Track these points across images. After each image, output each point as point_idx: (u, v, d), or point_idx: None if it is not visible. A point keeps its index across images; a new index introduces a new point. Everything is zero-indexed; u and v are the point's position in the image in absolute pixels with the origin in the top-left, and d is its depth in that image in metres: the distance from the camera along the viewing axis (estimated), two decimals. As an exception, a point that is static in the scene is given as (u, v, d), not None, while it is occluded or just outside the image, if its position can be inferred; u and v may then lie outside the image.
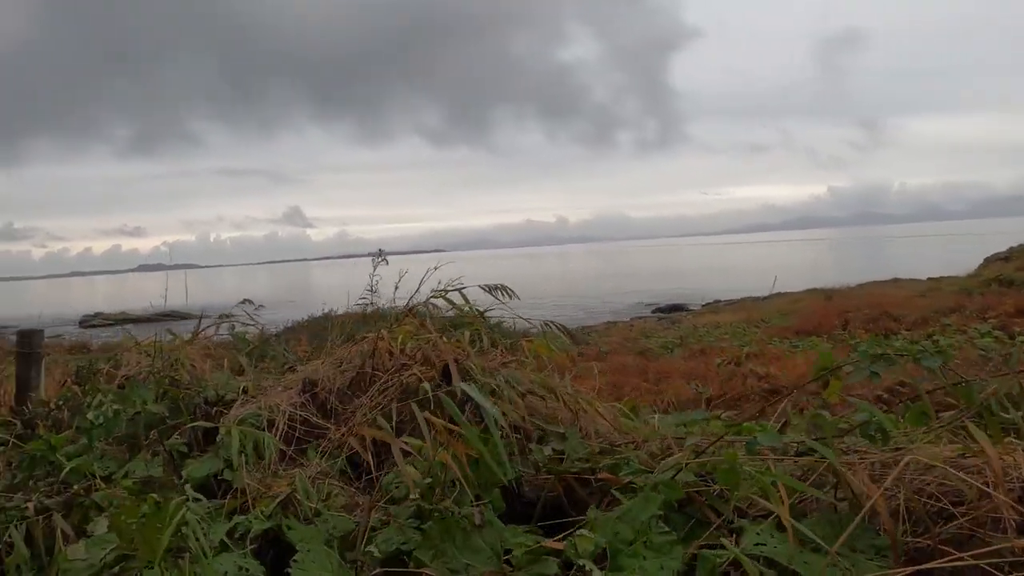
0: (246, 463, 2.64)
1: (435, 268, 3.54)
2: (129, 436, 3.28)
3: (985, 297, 19.11)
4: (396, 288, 3.87)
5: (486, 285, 3.27)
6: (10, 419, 4.57)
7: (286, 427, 2.76)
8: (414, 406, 2.30)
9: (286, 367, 3.91)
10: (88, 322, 41.97)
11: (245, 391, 3.45)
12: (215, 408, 3.28)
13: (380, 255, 4.09)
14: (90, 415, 3.25)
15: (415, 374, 2.56)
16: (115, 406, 3.32)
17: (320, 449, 2.65)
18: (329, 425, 2.74)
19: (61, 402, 3.89)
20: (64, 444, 3.35)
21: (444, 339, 2.94)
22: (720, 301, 46.83)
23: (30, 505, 2.61)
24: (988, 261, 25.82)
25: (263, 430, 2.78)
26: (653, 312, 44.02)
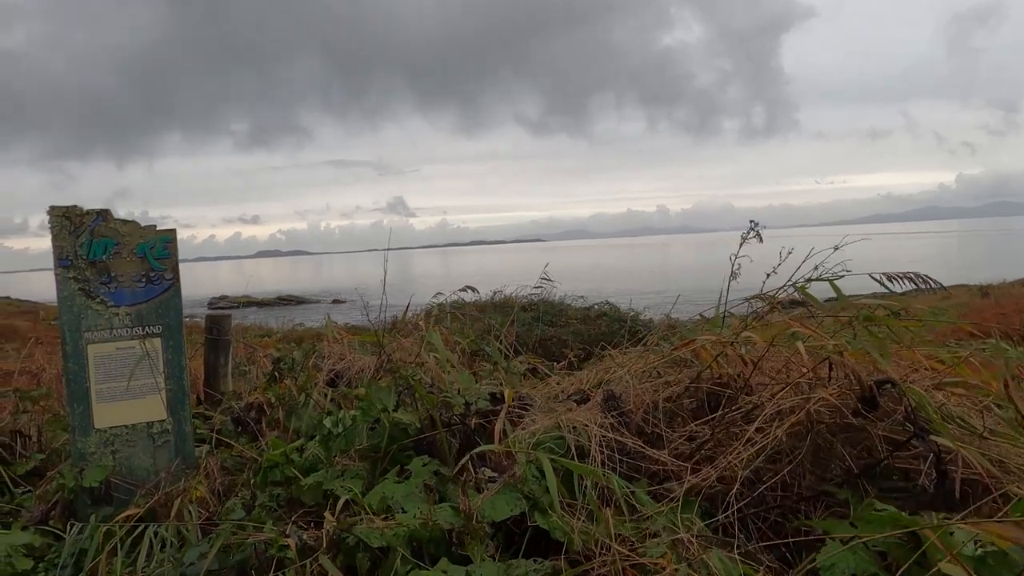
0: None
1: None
2: (372, 449, 2.72)
3: None
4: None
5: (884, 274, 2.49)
6: (206, 410, 4.20)
7: (602, 457, 2.08)
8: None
9: (526, 369, 3.26)
10: (215, 304, 44.22)
11: (497, 399, 2.82)
12: (468, 419, 2.67)
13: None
14: (327, 421, 2.70)
15: (827, 398, 1.81)
16: (352, 412, 2.76)
17: (661, 493, 1.94)
18: (658, 456, 2.04)
19: (274, 400, 3.40)
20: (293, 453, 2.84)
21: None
22: (835, 298, 43.63)
23: (291, 542, 2.05)
24: None
25: (570, 457, 2.12)
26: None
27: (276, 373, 4.10)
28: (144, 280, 3.26)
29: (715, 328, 2.49)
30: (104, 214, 3.21)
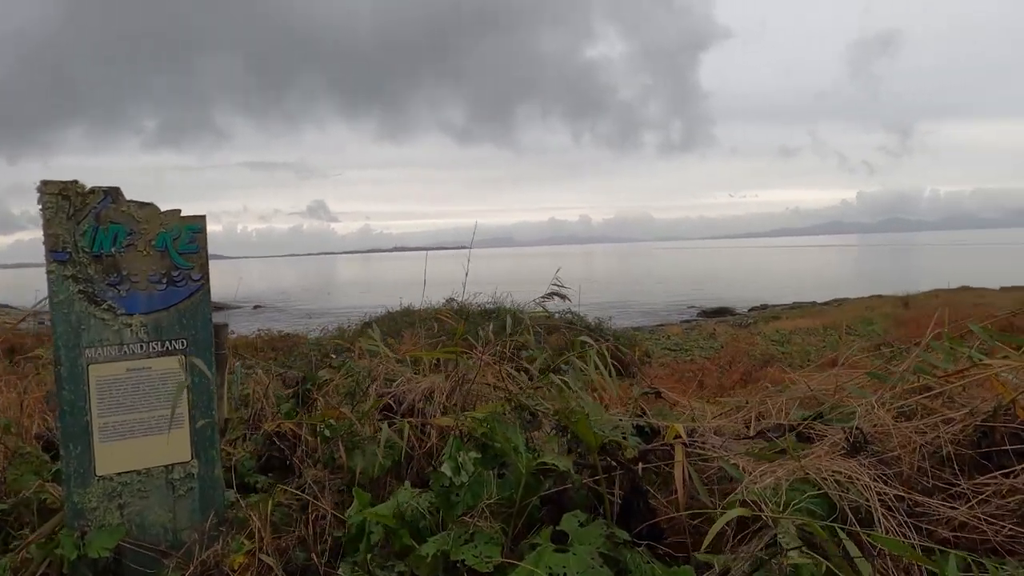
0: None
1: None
2: (503, 503, 2.08)
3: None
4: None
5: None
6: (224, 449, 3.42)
7: (891, 523, 1.55)
8: None
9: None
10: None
11: (651, 432, 2.25)
12: (635, 462, 2.08)
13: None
14: (446, 467, 2.06)
15: None
16: (472, 454, 2.12)
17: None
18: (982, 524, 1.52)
19: (328, 432, 2.70)
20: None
21: None
22: (767, 306, 45.40)
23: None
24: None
25: (843, 523, 1.57)
26: (699, 315, 42.71)
27: (302, 396, 3.37)
28: (165, 281, 2.51)
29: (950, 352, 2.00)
30: (114, 193, 2.44)
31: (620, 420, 2.31)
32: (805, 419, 1.98)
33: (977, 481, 1.65)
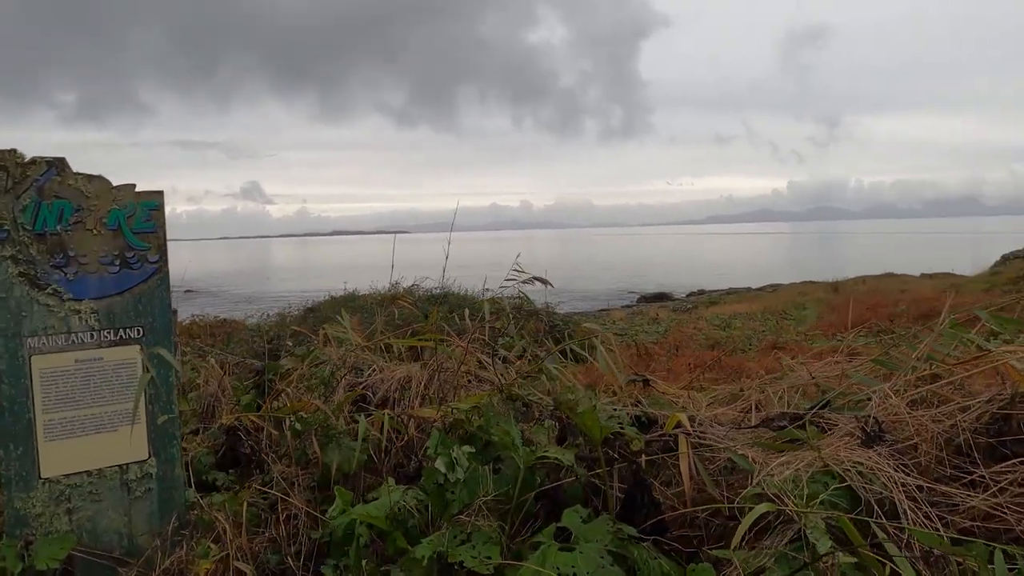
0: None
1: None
2: (500, 499, 1.97)
3: (1020, 293, 18.62)
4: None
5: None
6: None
7: (917, 516, 1.51)
8: None
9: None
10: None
11: (648, 422, 2.17)
12: (639, 455, 2.00)
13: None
14: (440, 463, 1.93)
15: None
16: (466, 448, 2.01)
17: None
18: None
19: (300, 425, 2.53)
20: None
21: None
22: (705, 291, 46.58)
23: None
24: (1006, 259, 25.58)
25: (869, 515, 1.52)
26: (639, 300, 43.48)
27: (264, 386, 3.17)
28: (118, 263, 2.27)
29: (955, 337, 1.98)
30: (59, 164, 2.18)
31: (615, 410, 2.23)
32: (813, 407, 1.93)
33: (995, 469, 1.62)
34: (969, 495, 1.57)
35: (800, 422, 1.92)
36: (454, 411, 2.38)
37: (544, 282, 2.97)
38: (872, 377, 2.01)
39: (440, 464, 1.95)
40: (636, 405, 2.28)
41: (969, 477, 1.65)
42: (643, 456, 1.98)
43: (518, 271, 4.23)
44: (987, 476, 1.62)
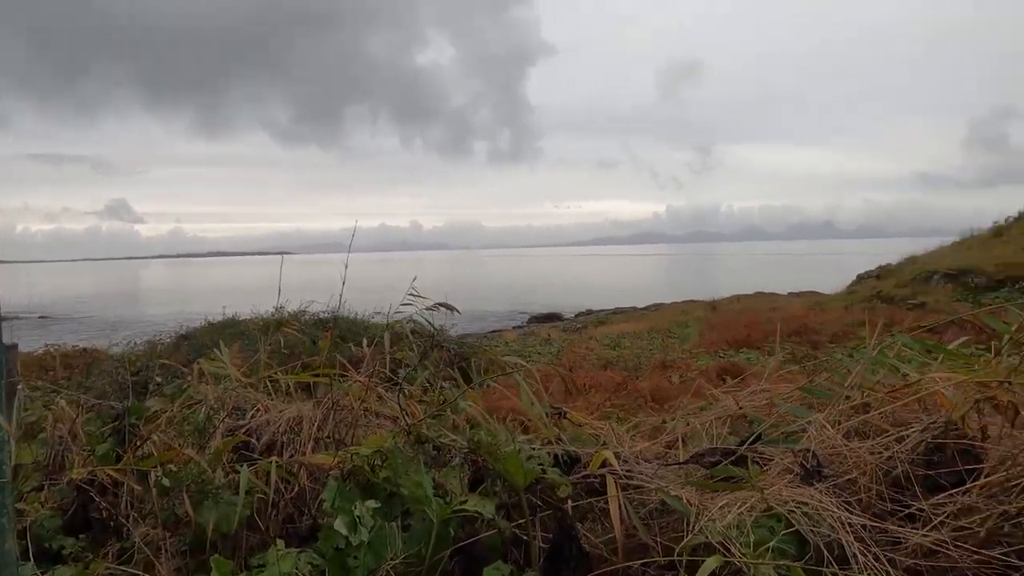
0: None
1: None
2: (410, 560, 1.72)
3: (877, 312, 20.31)
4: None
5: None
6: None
7: (867, 559, 1.42)
8: None
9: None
10: None
11: (570, 461, 2.00)
12: (565, 501, 1.81)
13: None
14: (339, 523, 1.67)
15: None
16: (371, 503, 1.76)
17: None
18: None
19: (168, 480, 2.17)
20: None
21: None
22: (593, 311, 47.88)
23: None
24: (861, 279, 27.90)
25: (819, 563, 1.41)
26: (529, 321, 44.04)
27: (126, 432, 2.73)
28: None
29: (879, 364, 1.94)
30: None
31: (534, 449, 2.03)
32: (746, 441, 1.83)
33: (932, 501, 1.56)
34: (912, 531, 1.49)
35: (733, 457, 1.80)
36: (354, 457, 2.10)
37: (449, 308, 2.76)
38: (801, 406, 1.94)
39: (340, 525, 1.68)
40: (556, 442, 2.10)
41: (907, 511, 1.58)
42: (569, 503, 1.80)
43: (415, 295, 3.96)
44: (926, 509, 1.55)
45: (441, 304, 2.76)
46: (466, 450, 1.97)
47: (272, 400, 2.75)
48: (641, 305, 44.54)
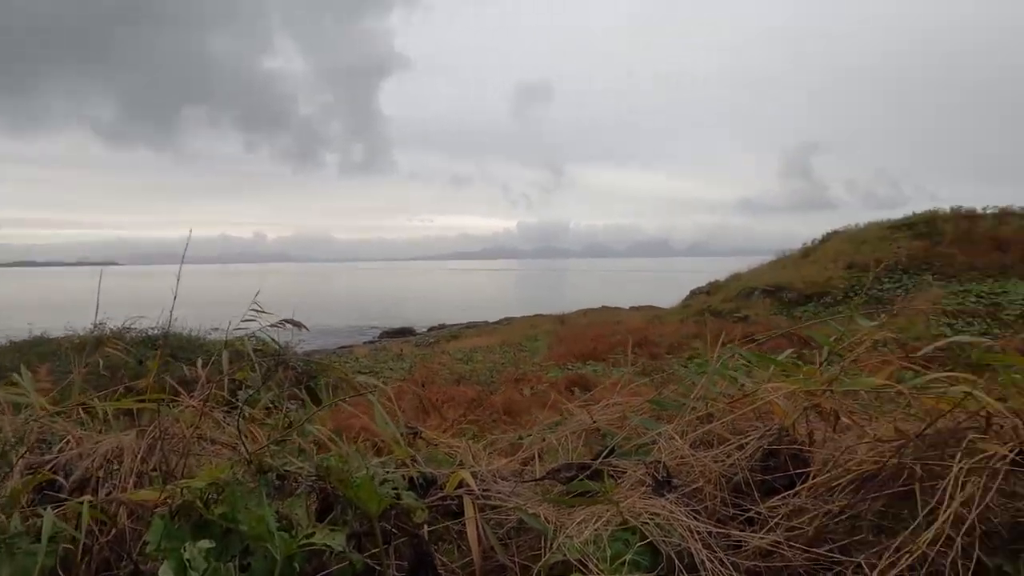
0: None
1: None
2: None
3: (709, 325, 22.05)
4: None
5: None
6: None
7: (715, 565, 1.48)
8: None
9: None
10: None
11: (425, 483, 1.94)
12: (421, 527, 1.74)
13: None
14: (165, 569, 1.51)
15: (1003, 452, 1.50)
16: (204, 543, 1.61)
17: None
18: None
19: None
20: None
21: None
22: (445, 325, 47.98)
23: None
24: (693, 294, 30.13)
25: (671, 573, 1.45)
26: (381, 336, 43.32)
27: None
28: None
29: (720, 373, 2.05)
30: None
31: (388, 473, 1.94)
32: (600, 455, 1.85)
33: (768, 504, 1.66)
34: (752, 534, 1.58)
35: (589, 472, 1.82)
36: (184, 491, 1.89)
37: (296, 324, 2.59)
38: (651, 418, 2.01)
39: (167, 570, 1.49)
40: (411, 464, 2.01)
41: (748, 514, 1.66)
42: (426, 527, 1.72)
43: (259, 310, 3.72)
44: (763, 512, 1.65)
45: (287, 320, 2.59)
46: (314, 477, 1.84)
47: (86, 430, 2.43)
48: (493, 319, 45.28)
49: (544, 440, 2.13)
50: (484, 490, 1.87)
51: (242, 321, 2.82)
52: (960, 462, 1.47)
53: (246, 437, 2.04)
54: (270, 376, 2.60)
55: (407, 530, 1.73)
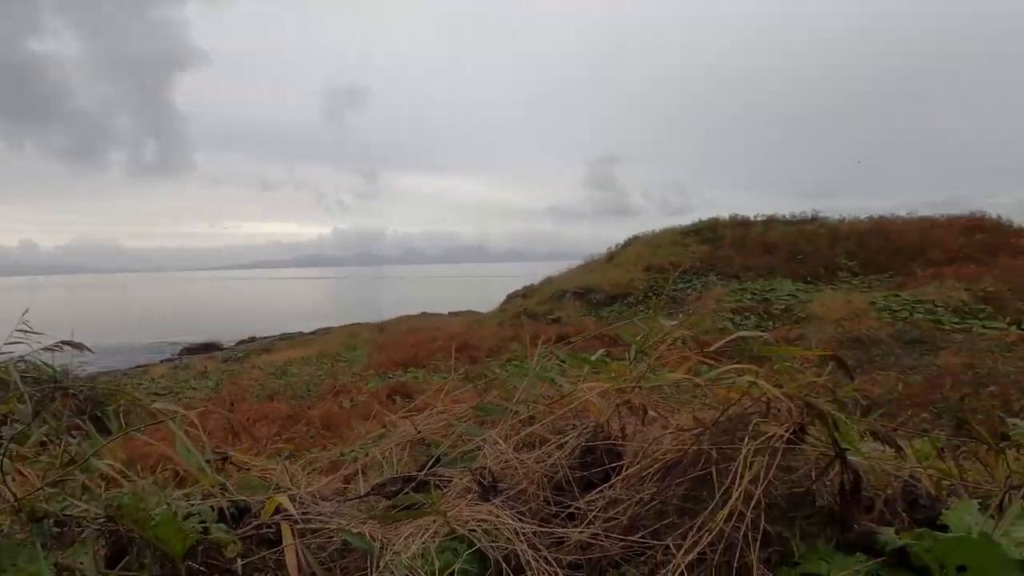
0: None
1: None
2: None
3: (526, 327, 22.91)
4: None
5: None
6: None
7: (545, 567, 1.53)
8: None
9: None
10: None
11: (239, 512, 1.81)
12: (234, 561, 1.61)
13: None
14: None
15: (780, 433, 1.67)
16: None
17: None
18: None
19: None
20: None
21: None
22: (256, 338, 45.17)
23: None
24: (510, 297, 31.11)
25: (499, 579, 1.47)
26: (182, 352, 39.87)
27: None
28: None
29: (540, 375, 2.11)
30: None
31: (193, 505, 1.77)
32: (425, 466, 1.83)
33: (587, 499, 1.74)
34: (573, 529, 1.64)
35: (415, 484, 1.79)
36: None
37: (77, 346, 2.29)
38: (476, 425, 2.02)
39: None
40: (221, 493, 1.85)
41: (568, 510, 1.73)
42: (239, 561, 1.59)
43: (28, 330, 3.26)
44: (583, 507, 1.72)
45: (65, 342, 2.27)
46: (103, 519, 1.62)
47: None
48: (308, 330, 43.43)
49: (367, 454, 2.06)
50: (304, 513, 1.77)
51: (6, 344, 2.44)
52: (747, 444, 1.64)
53: (14, 480, 1.75)
54: (44, 406, 2.27)
55: (218, 566, 1.59)
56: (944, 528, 1.48)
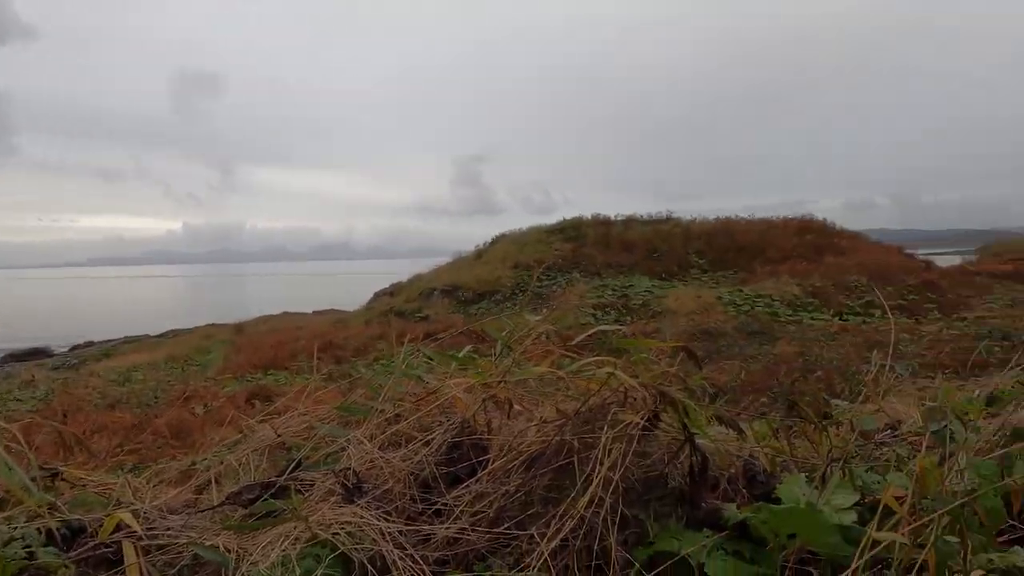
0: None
1: None
2: None
3: (393, 326, 22.60)
4: None
5: None
6: None
7: (410, 566, 1.52)
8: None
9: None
10: None
11: (72, 533, 1.66)
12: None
13: None
14: None
15: (636, 421, 1.75)
16: None
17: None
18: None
19: None
20: None
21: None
22: (94, 342, 41.27)
23: None
24: (377, 296, 30.55)
25: (364, 581, 1.45)
26: (4, 360, 35.73)
27: None
28: None
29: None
30: None
31: (16, 528, 1.60)
32: (285, 470, 1.75)
33: (454, 495, 1.75)
34: (439, 525, 1.64)
35: (274, 490, 1.71)
36: None
37: None
38: (340, 426, 1.97)
39: None
40: (50, 513, 1.68)
41: (435, 507, 1.73)
42: (77, 586, 1.45)
43: None
44: (450, 502, 1.73)
45: None
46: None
47: None
48: (156, 332, 40.27)
49: (222, 462, 1.95)
50: (149, 529, 1.65)
51: None
52: (607, 432, 1.72)
53: None
54: None
55: (48, 595, 1.44)
56: (778, 501, 1.63)
